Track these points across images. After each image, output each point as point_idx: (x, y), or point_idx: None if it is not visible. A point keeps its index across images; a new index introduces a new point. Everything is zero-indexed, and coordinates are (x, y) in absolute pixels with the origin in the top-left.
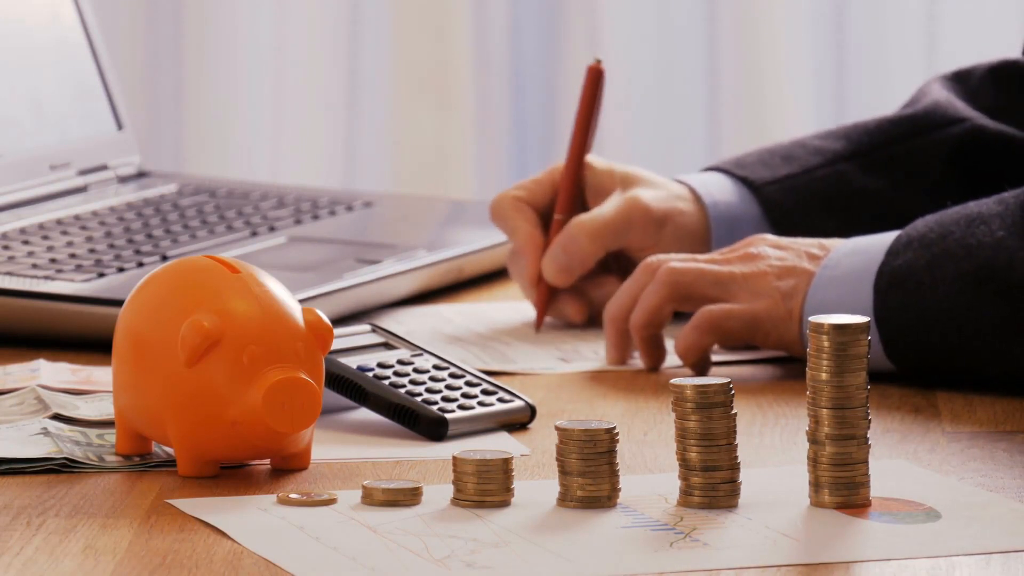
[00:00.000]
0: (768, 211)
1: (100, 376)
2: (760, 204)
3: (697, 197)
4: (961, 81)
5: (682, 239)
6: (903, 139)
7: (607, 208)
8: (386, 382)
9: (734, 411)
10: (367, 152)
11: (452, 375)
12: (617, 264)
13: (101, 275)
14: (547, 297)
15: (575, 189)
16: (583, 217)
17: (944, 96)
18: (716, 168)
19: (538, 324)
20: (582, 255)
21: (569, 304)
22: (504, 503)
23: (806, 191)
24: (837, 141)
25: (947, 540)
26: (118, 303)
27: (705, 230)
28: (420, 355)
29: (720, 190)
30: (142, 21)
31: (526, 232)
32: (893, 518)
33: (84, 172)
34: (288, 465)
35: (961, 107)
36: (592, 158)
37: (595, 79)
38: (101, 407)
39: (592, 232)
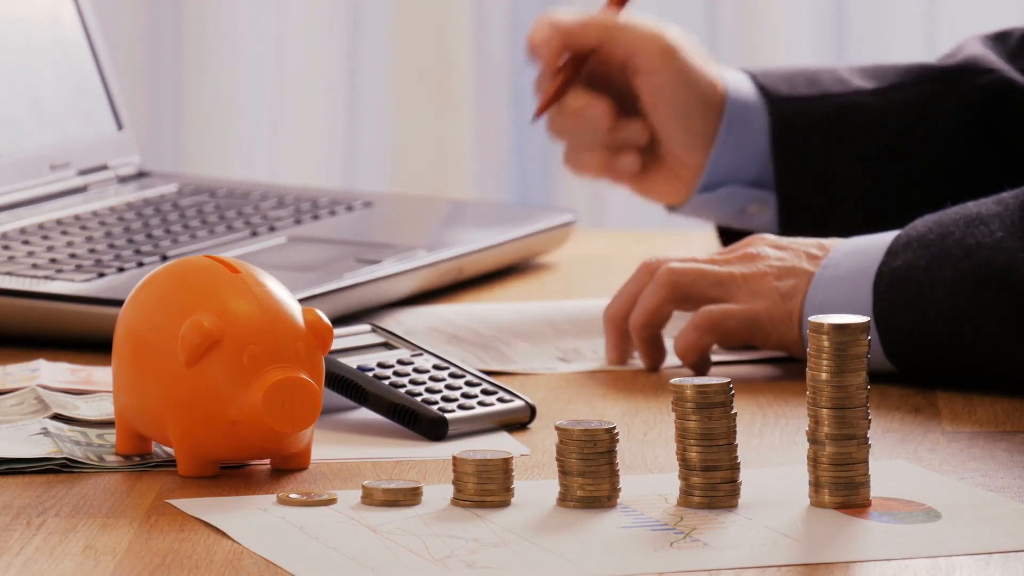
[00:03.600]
0: (773, 125)
1: (100, 376)
2: (769, 116)
3: (722, 75)
4: (1001, 40)
5: (691, 88)
6: (931, 82)
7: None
8: (386, 382)
9: (734, 411)
10: (367, 152)
11: (452, 375)
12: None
13: (101, 275)
14: (562, 85)
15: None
16: (605, 11)
17: (980, 50)
18: (743, 70)
19: (539, 111)
20: (581, 26)
21: (597, 104)
22: (504, 503)
23: (817, 114)
24: (866, 77)
25: (947, 540)
26: (118, 303)
27: (718, 103)
28: (420, 355)
29: (743, 85)
30: (142, 21)
31: (540, 27)
32: (893, 518)
33: (84, 172)
34: (288, 465)
35: (994, 59)
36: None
37: None
38: (101, 407)
39: (602, 19)
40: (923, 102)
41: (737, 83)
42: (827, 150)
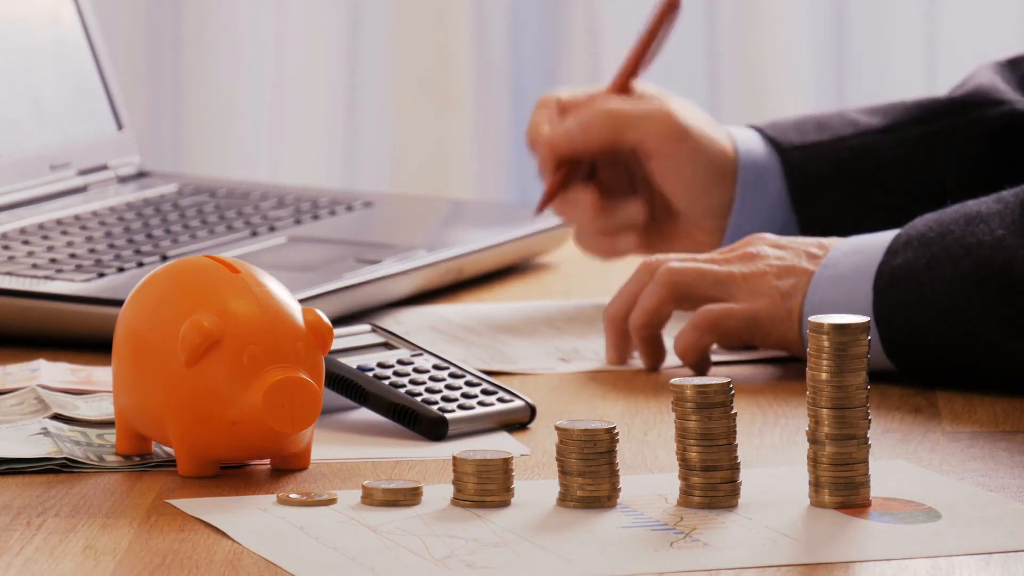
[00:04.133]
0: (789, 174)
1: (100, 376)
2: (782, 166)
3: (733, 140)
4: (1014, 68)
5: (705, 165)
6: (940, 117)
7: (632, 103)
8: (386, 382)
9: (734, 411)
10: (367, 152)
11: (452, 375)
12: (642, 184)
13: (101, 275)
14: (557, 183)
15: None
16: (605, 97)
17: (989, 79)
18: (751, 126)
19: (541, 205)
20: (590, 129)
21: (582, 196)
22: (504, 503)
23: (831, 159)
24: (875, 116)
25: (947, 540)
26: (118, 303)
27: (731, 171)
28: (420, 355)
29: (753, 143)
30: (142, 21)
31: (535, 123)
32: (893, 518)
33: (84, 172)
34: (288, 465)
35: (1004, 90)
36: (642, 84)
37: (667, 10)
38: (101, 407)
39: (606, 112)
40: (934, 139)
41: (747, 143)
42: (843, 193)
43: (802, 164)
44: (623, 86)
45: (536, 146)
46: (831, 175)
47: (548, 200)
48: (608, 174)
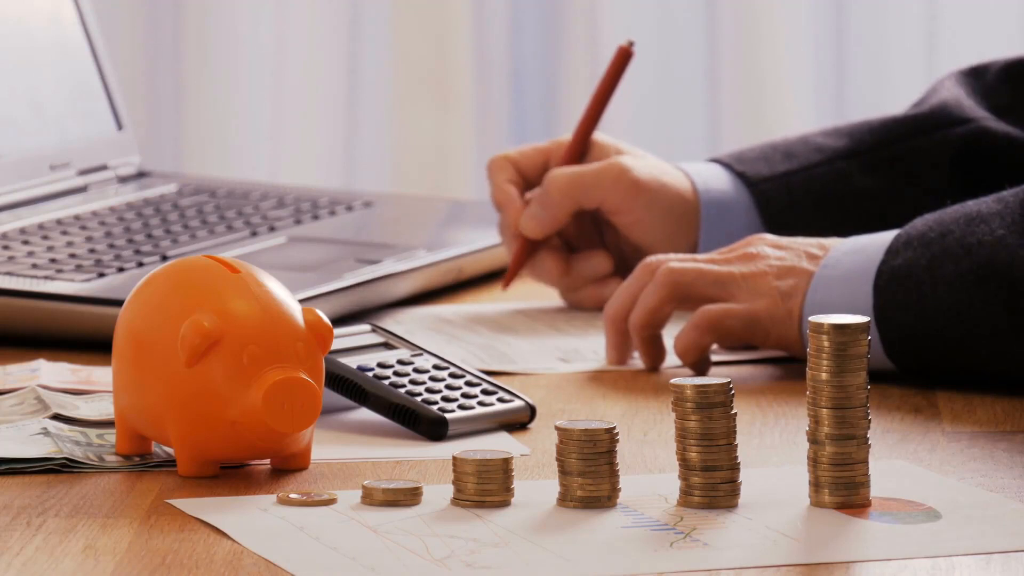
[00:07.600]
0: (762, 207)
1: (100, 376)
2: (754, 199)
3: (691, 181)
4: (977, 77)
5: (665, 213)
6: (906, 138)
7: (586, 166)
8: (386, 382)
9: (734, 411)
10: (367, 152)
11: (452, 375)
12: (602, 235)
13: (101, 275)
14: (522, 254)
15: (575, 160)
16: (557, 170)
17: (953, 95)
18: (717, 160)
19: (507, 280)
20: (553, 207)
21: (546, 260)
22: (504, 503)
23: (802, 189)
24: (840, 139)
25: (947, 540)
26: (118, 303)
27: (693, 212)
28: (420, 355)
29: (716, 179)
30: (142, 21)
31: (501, 187)
32: (893, 518)
33: (84, 172)
34: (288, 465)
35: (968, 107)
36: (598, 135)
37: (623, 60)
38: (101, 407)
39: (563, 184)
40: (902, 162)
41: (708, 180)
42: (815, 222)
43: (773, 196)
44: (582, 140)
45: (506, 208)
46: (800, 205)
47: (514, 274)
48: (574, 227)
